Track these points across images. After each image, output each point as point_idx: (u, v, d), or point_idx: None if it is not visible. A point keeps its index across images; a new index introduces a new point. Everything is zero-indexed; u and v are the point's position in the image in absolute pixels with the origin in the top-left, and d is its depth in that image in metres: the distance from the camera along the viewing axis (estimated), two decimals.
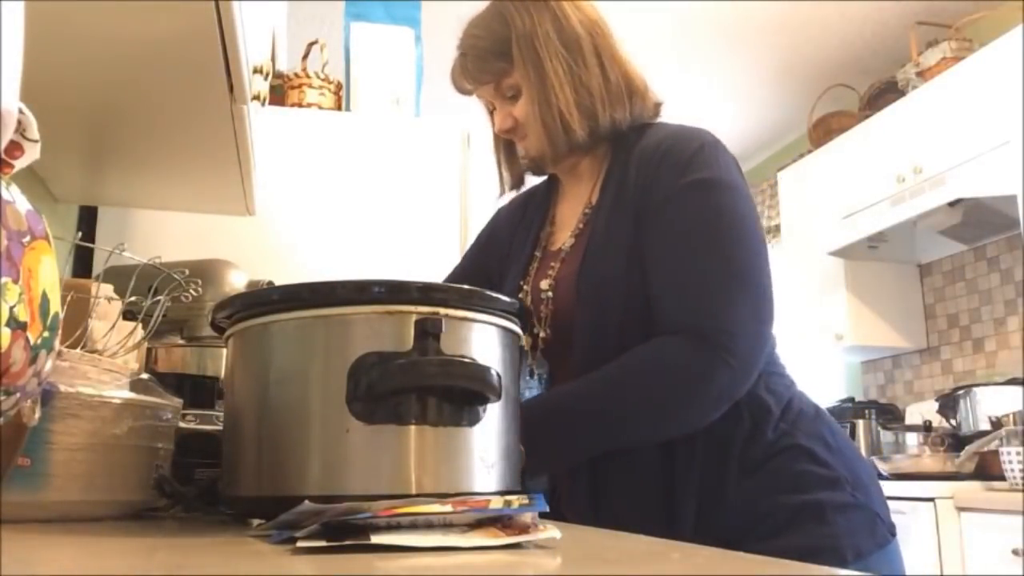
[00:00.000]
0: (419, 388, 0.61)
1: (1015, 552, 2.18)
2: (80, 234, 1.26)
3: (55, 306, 0.50)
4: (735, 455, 0.95)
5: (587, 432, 0.94)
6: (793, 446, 0.96)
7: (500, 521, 0.52)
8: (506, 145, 1.18)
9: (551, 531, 0.53)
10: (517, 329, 0.71)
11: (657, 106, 1.11)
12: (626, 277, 0.98)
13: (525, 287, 1.11)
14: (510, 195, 1.24)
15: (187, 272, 0.92)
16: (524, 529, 0.52)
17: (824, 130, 3.69)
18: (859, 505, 0.96)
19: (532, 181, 1.25)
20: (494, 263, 1.22)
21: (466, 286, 0.66)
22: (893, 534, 0.98)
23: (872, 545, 0.94)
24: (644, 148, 1.03)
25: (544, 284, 1.07)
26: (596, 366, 0.95)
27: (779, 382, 1.02)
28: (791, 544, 0.90)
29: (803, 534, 0.92)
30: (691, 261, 0.95)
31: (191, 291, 0.92)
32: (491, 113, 1.14)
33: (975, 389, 2.88)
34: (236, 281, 1.28)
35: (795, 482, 0.95)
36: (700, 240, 0.96)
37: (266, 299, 0.66)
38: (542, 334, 1.06)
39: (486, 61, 1.06)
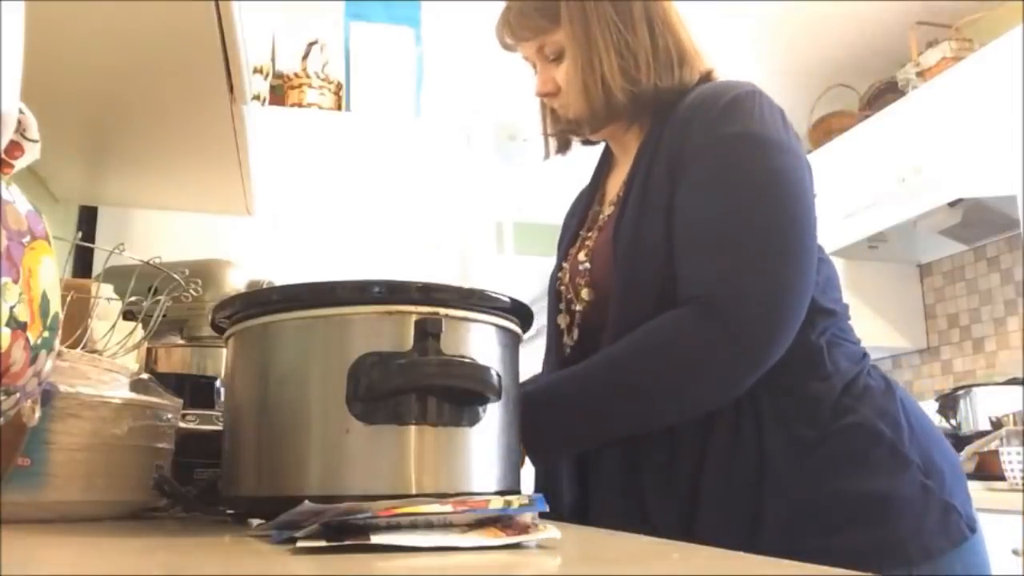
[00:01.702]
0: (419, 388, 0.61)
1: (1015, 552, 2.18)
2: (80, 234, 1.26)
3: (55, 306, 0.50)
4: (784, 436, 0.86)
5: (585, 419, 0.89)
6: (854, 425, 0.87)
7: (500, 521, 0.52)
8: (551, 108, 1.13)
9: (551, 531, 0.53)
10: (517, 329, 0.71)
11: (707, 74, 1.05)
12: (664, 244, 0.90)
13: (565, 265, 1.07)
14: (555, 158, 1.19)
15: (187, 272, 0.92)
16: (524, 529, 0.52)
17: (824, 130, 3.68)
18: (930, 495, 0.85)
19: (580, 148, 1.20)
20: None
21: (465, 286, 0.66)
22: (973, 529, 0.87)
23: (945, 542, 0.84)
24: (680, 108, 0.97)
25: (582, 256, 1.03)
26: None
27: (845, 353, 0.93)
28: (849, 544, 0.82)
29: (863, 531, 0.83)
30: (709, 223, 0.88)
31: (191, 291, 0.92)
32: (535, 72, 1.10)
33: (975, 389, 2.88)
34: (236, 281, 1.28)
35: (855, 468, 0.85)
36: (721, 200, 0.88)
37: (266, 299, 0.66)
38: (578, 308, 1.01)
39: (530, 18, 1.03)
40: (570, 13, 1.01)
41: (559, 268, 1.08)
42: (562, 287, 1.06)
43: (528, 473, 0.95)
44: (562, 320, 1.05)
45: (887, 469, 0.86)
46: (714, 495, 0.86)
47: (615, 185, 1.09)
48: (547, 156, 1.18)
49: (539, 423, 0.84)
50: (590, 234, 1.05)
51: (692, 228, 0.89)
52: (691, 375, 0.86)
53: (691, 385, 0.87)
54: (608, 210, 1.04)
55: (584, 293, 1.00)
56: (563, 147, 1.16)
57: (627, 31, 1.00)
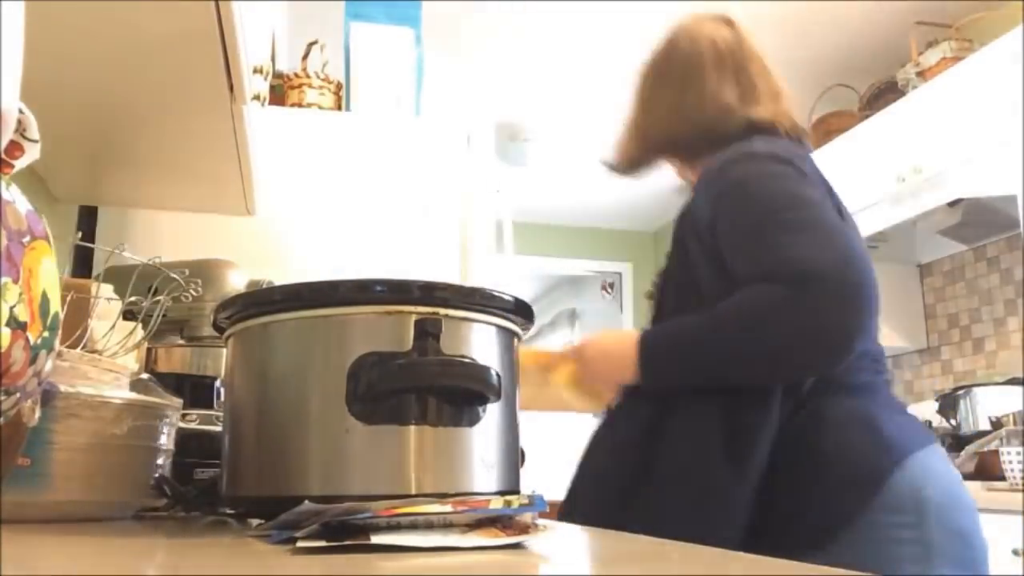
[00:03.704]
0: (419, 388, 0.61)
1: (1015, 552, 2.18)
2: (80, 234, 1.26)
3: (55, 306, 0.50)
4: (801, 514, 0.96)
5: (698, 364, 1.01)
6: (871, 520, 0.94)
7: (500, 521, 0.52)
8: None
9: (551, 531, 0.53)
10: (517, 329, 0.71)
11: (749, 124, 1.17)
12: (689, 275, 1.09)
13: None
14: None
15: (187, 272, 0.92)
16: (524, 529, 0.52)
17: (824, 130, 3.68)
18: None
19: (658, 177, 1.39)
20: None
21: (466, 285, 0.66)
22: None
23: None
24: (713, 164, 1.11)
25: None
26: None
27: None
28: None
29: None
30: (750, 227, 1.01)
31: (191, 291, 0.92)
32: None
33: (975, 389, 2.88)
34: (236, 281, 1.28)
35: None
36: (754, 212, 1.02)
37: (266, 299, 0.66)
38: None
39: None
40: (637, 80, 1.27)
41: None
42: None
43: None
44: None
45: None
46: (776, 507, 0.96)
47: None
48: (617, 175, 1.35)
49: (653, 360, 1.03)
50: None
51: (738, 237, 1.03)
52: (796, 331, 0.94)
53: (797, 340, 0.95)
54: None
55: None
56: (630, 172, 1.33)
57: (671, 92, 1.21)
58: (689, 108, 1.18)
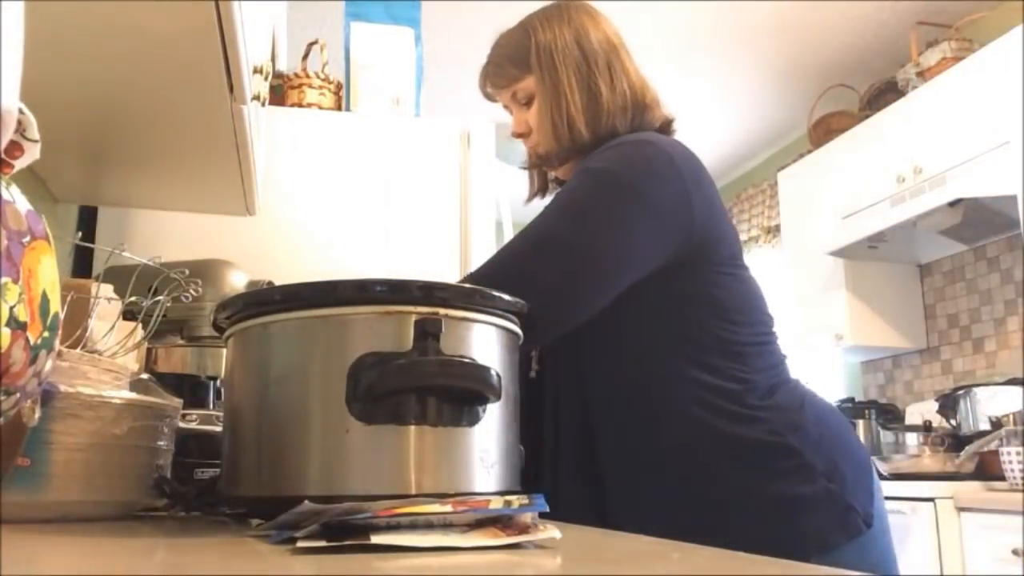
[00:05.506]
0: (419, 388, 0.61)
1: (1015, 552, 2.18)
2: (80, 234, 1.26)
3: (55, 306, 0.50)
4: (706, 444, 1.00)
5: None
6: (766, 441, 0.99)
7: (500, 521, 0.52)
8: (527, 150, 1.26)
9: (551, 531, 0.53)
10: (517, 329, 0.71)
11: (667, 123, 1.16)
12: None
13: None
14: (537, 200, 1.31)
15: (187, 272, 0.92)
16: (524, 529, 0.52)
17: (824, 130, 3.69)
18: (832, 496, 0.97)
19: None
20: None
21: (466, 285, 0.66)
22: (869, 524, 0.99)
23: (842, 537, 0.97)
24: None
25: None
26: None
27: (765, 375, 1.05)
28: (753, 538, 0.92)
29: (767, 526, 0.96)
30: (528, 232, 1.00)
31: (191, 291, 0.92)
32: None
33: (975, 389, 2.88)
34: (236, 281, 1.28)
35: (763, 475, 0.98)
36: (542, 217, 1.01)
37: (266, 299, 0.66)
38: None
39: (504, 67, 1.17)
40: (540, 61, 1.13)
41: None
42: None
43: None
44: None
45: (794, 476, 0.98)
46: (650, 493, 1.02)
47: None
48: (529, 199, 1.29)
49: None
50: None
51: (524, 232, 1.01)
52: None
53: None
54: None
55: None
56: (542, 190, 1.29)
57: (590, 76, 1.12)
58: (619, 96, 1.11)
